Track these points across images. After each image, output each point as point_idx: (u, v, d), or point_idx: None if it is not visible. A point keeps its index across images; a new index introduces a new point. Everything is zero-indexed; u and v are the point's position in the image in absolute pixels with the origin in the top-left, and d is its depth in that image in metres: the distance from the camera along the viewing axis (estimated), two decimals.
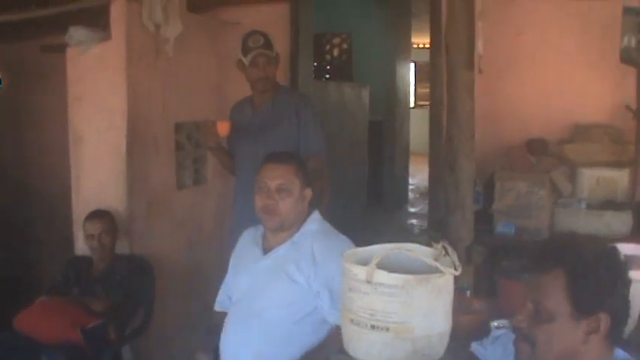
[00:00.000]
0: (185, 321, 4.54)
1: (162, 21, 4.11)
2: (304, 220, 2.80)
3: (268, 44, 3.74)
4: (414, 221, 9.05)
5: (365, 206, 8.58)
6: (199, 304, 3.90)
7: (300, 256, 2.68)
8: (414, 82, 15.80)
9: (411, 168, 10.98)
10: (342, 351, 2.29)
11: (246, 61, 3.73)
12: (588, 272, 1.68)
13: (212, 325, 2.90)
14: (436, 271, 2.16)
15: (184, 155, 4.72)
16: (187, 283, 4.66)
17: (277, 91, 3.87)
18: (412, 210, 9.86)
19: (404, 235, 7.99)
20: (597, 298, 1.68)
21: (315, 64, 9.02)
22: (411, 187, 10.94)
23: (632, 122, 4.42)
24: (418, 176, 11.46)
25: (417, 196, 10.65)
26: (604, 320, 1.68)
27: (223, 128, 3.67)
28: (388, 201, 9.58)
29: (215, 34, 5.06)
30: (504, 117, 4.94)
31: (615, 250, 1.76)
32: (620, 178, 4.42)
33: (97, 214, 3.88)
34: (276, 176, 2.71)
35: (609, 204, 4.35)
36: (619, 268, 1.73)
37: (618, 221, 4.19)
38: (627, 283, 1.73)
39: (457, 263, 2.22)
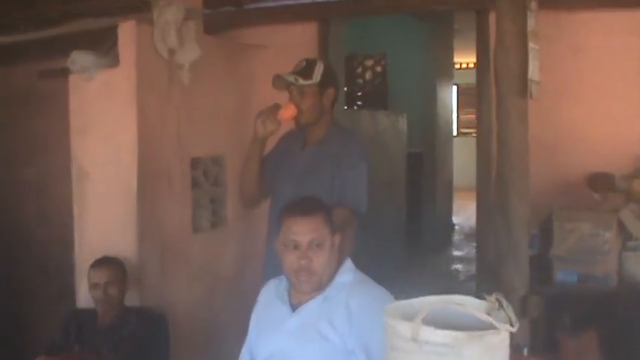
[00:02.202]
0: None
1: (177, 45, 4.16)
2: (336, 271, 2.78)
3: (306, 70, 3.64)
4: (458, 266, 8.98)
5: (403, 250, 8.53)
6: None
7: (334, 312, 2.66)
8: (456, 108, 15.80)
9: (455, 205, 10.93)
10: None
11: None
12: None
13: None
14: (490, 327, 2.14)
15: (201, 194, 4.73)
16: (205, 339, 4.65)
17: (331, 130, 3.76)
18: (456, 253, 9.78)
19: (447, 282, 7.94)
20: None
21: (346, 89, 8.99)
22: (454, 227, 10.88)
23: None
24: (463, 214, 11.41)
25: (462, 237, 10.59)
26: None
27: (288, 112, 3.57)
28: (429, 243, 9.53)
29: (236, 58, 5.11)
30: (563, 148, 4.90)
31: None
32: None
33: (104, 261, 3.89)
34: (307, 231, 2.67)
35: None
36: None
37: None
38: None
39: (513, 318, 2.19)
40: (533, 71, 4.34)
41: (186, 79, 4.29)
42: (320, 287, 2.71)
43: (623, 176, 4.71)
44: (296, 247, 2.67)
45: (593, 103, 4.92)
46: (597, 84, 4.92)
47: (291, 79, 3.62)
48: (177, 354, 4.06)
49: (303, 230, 2.67)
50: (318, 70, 3.65)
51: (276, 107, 3.58)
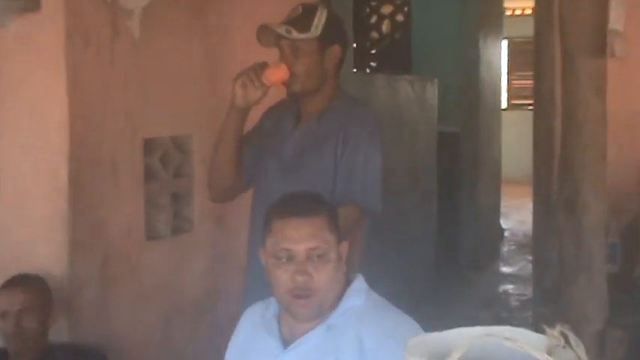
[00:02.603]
0: None
1: None
2: (343, 291, 2.76)
3: (302, 20, 3.61)
4: (509, 287, 9.00)
5: (433, 265, 8.53)
6: None
7: (341, 347, 2.65)
8: (506, 72, 15.82)
9: (504, 204, 10.93)
10: None
11: None
12: None
13: None
14: None
15: (158, 189, 4.71)
16: None
17: (335, 102, 3.75)
18: (506, 270, 9.82)
19: (494, 309, 7.94)
20: None
21: (356, 45, 8.96)
22: (503, 233, 10.89)
23: None
24: (515, 216, 11.42)
25: (513, 248, 10.63)
26: None
27: (276, 74, 3.56)
28: (468, 257, 9.55)
29: (204, 1, 5.08)
30: None
31: None
32: None
33: (18, 281, 3.83)
34: (306, 237, 2.64)
35: None
36: None
37: None
38: None
39: (584, 358, 2.19)
40: (615, 19, 4.32)
41: (136, 31, 4.26)
42: (322, 313, 2.69)
43: None
44: (290, 258, 2.64)
45: None
46: None
47: (282, 30, 3.60)
48: None
49: (300, 236, 2.64)
50: (319, 19, 3.63)
51: (262, 66, 3.57)
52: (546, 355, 2.18)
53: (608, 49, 3.76)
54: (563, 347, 2.22)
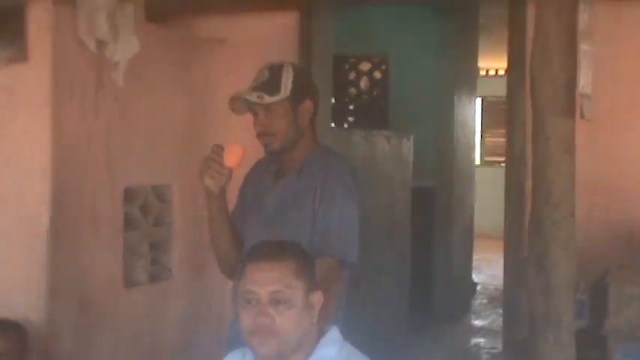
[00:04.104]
0: None
1: (109, 36, 4.13)
2: (316, 341, 2.77)
3: (271, 83, 3.60)
4: (480, 341, 8.98)
5: (407, 317, 8.51)
6: None
7: None
8: (480, 129, 15.90)
9: (477, 258, 10.94)
10: None
11: None
12: None
13: None
14: None
15: (138, 237, 4.70)
16: None
17: (312, 155, 3.74)
18: (477, 323, 9.79)
19: None
20: None
21: (334, 101, 9.07)
22: (476, 287, 10.89)
23: None
24: (487, 271, 11.42)
25: (485, 301, 10.60)
26: None
27: (234, 156, 3.51)
28: (441, 309, 9.53)
29: (188, 55, 5.10)
30: (623, 186, 4.93)
31: None
32: None
33: None
34: (270, 281, 2.67)
35: None
36: None
37: None
38: None
39: None
40: (585, 82, 4.35)
41: (120, 81, 4.25)
42: (282, 356, 2.69)
43: None
44: (255, 301, 2.66)
45: None
46: None
47: (254, 97, 3.55)
48: None
49: (264, 280, 2.67)
50: (287, 78, 3.59)
51: (218, 151, 3.52)
52: None
53: (576, 110, 3.79)
54: None
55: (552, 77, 3.66)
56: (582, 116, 4.23)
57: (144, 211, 4.75)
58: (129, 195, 4.61)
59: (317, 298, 2.74)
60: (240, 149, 3.50)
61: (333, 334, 2.82)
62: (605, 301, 4.36)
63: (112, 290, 4.49)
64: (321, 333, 2.80)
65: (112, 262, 4.49)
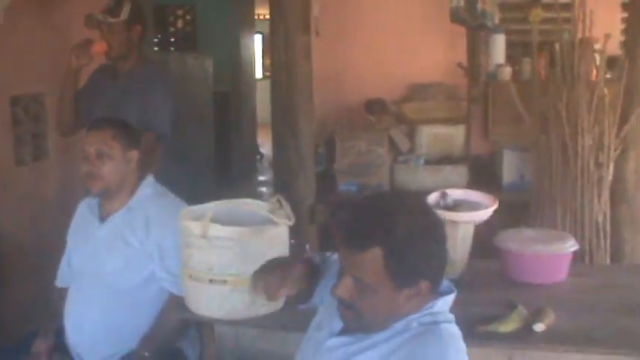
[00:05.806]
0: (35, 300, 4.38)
1: None
2: (138, 185, 2.83)
3: (114, 9, 3.61)
4: (263, 189, 9.13)
5: (213, 178, 8.52)
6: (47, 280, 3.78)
7: (136, 221, 2.74)
8: (261, 54, 15.79)
9: (261, 139, 11.04)
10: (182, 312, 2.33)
11: None
12: (404, 248, 1.67)
13: (52, 307, 2.93)
14: (270, 222, 2.24)
15: (23, 130, 4.52)
16: (35, 262, 4.50)
17: (139, 64, 3.75)
18: (262, 178, 9.95)
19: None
20: (415, 270, 1.71)
21: (160, 36, 9.18)
22: (262, 156, 11.00)
23: (464, 79, 4.67)
24: (267, 146, 11.53)
25: (267, 165, 10.71)
26: (424, 286, 1.73)
27: (99, 47, 3.58)
28: (237, 172, 9.58)
29: (52, 4, 4.85)
30: (343, 79, 5.08)
31: (429, 216, 1.77)
32: (456, 133, 4.67)
33: None
34: (93, 142, 2.72)
35: (446, 159, 4.59)
36: (434, 234, 1.74)
37: (455, 175, 4.43)
38: (442, 244, 1.74)
39: (291, 215, 2.31)
40: (317, 10, 4.43)
41: (1, 20, 4.02)
42: (109, 193, 2.77)
43: (394, 101, 4.95)
44: (86, 157, 2.72)
45: (369, 40, 5.15)
46: (372, 23, 5.14)
47: (101, 17, 3.59)
48: (8, 280, 3.91)
49: (90, 141, 2.73)
50: (126, 8, 3.62)
51: (89, 42, 3.55)
52: (267, 212, 2.29)
53: (312, 29, 3.87)
54: (279, 209, 2.34)
55: (295, 9, 3.72)
56: (317, 34, 4.30)
57: (26, 111, 4.57)
58: (14, 101, 4.42)
59: (132, 154, 2.78)
60: (103, 45, 3.58)
61: (149, 179, 2.88)
62: (334, 152, 4.53)
63: (6, 167, 4.34)
64: (141, 180, 2.86)
65: (6, 149, 4.33)
